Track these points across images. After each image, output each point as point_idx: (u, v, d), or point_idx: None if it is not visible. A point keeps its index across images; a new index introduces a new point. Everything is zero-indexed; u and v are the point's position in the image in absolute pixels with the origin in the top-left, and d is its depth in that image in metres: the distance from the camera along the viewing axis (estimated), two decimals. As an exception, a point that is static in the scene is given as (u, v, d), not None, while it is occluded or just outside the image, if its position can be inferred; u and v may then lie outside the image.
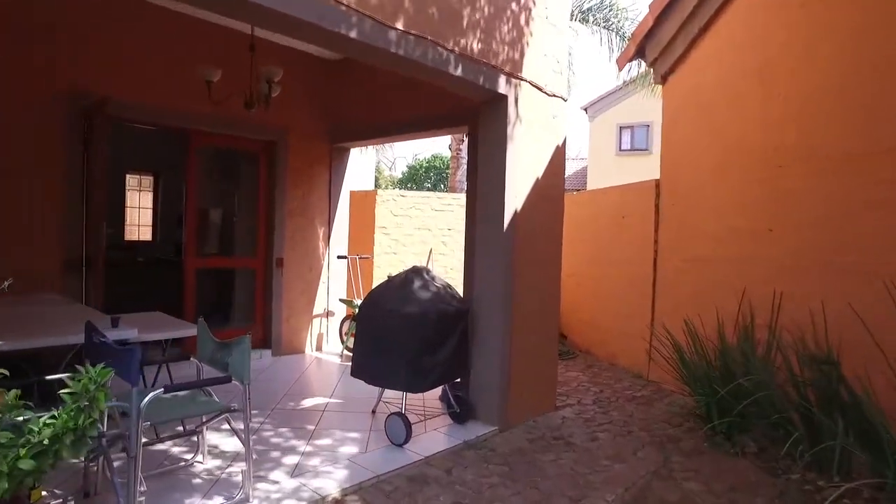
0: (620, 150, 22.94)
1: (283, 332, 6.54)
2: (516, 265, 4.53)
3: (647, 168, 10.96)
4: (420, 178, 33.26)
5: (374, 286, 8.72)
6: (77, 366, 2.21)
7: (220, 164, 6.54)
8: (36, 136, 4.68)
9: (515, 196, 4.55)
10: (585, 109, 23.63)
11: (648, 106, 19.73)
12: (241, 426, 3.05)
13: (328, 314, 6.99)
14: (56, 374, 2.89)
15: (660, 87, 9.33)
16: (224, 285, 6.53)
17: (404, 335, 3.98)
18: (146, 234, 10.02)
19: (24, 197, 4.64)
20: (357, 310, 6.49)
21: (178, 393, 3.00)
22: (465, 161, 10.79)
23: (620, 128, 22.82)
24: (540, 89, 4.82)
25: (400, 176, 34.37)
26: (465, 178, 11.07)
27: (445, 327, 4.14)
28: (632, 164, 21.77)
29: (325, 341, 7.00)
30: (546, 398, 5.08)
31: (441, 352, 4.14)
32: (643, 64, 9.17)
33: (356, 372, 4.22)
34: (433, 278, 4.35)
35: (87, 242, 5.00)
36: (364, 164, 16.39)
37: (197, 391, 3.21)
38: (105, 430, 2.67)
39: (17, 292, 4.62)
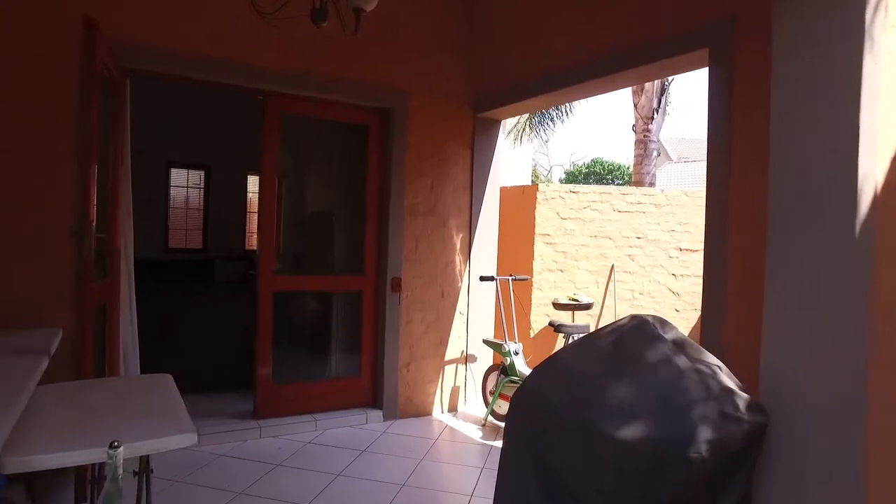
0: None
1: (400, 386, 4.49)
2: (882, 311, 1.94)
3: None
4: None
5: (540, 349, 6.36)
6: None
7: (312, 141, 4.71)
8: (35, 96, 3.12)
9: (876, 157, 1.98)
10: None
11: None
12: None
13: (467, 360, 4.82)
14: None
15: None
16: (316, 316, 4.66)
17: (619, 491, 1.62)
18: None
19: (19, 186, 3.09)
20: (509, 359, 4.27)
21: None
22: (653, 145, 8.05)
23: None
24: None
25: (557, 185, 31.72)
26: (654, 169, 8.33)
27: (720, 472, 1.69)
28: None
29: (461, 399, 4.85)
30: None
31: (704, 526, 1.71)
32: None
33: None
34: (679, 344, 1.92)
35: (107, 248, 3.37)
36: (516, 162, 14.18)
37: None
38: None
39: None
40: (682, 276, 6.39)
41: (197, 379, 4.53)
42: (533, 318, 6.24)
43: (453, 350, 4.76)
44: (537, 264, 6.31)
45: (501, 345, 4.36)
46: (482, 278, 4.54)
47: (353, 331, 4.50)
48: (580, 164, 33.54)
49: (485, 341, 4.65)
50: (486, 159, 4.83)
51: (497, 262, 5.04)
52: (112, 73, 3.23)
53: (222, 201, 8.04)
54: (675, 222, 6.35)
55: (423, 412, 4.64)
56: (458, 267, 4.73)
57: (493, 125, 4.87)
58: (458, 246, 4.73)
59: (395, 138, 4.38)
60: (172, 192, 7.82)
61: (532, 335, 6.20)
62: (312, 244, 4.80)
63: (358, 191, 4.50)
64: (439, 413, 4.72)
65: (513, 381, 4.24)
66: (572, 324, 3.88)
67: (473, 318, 4.81)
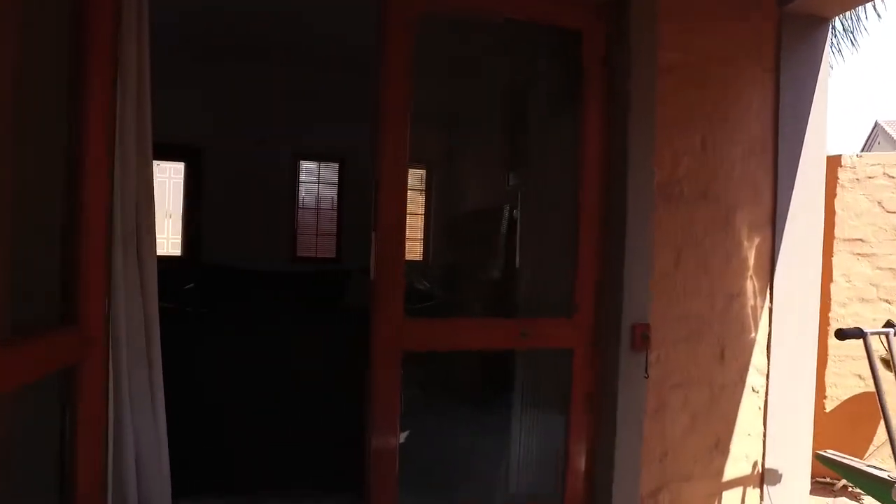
0: None
1: (640, 529, 2.33)
2: None
3: None
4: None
5: (847, 438, 3.54)
6: None
7: (473, 71, 2.72)
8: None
9: None
10: None
11: None
12: None
13: (764, 481, 2.51)
14: None
15: None
16: (480, 392, 2.65)
17: None
18: (415, 252, 7.06)
19: None
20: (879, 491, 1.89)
21: None
22: None
23: None
24: None
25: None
26: None
27: None
28: None
29: (752, 554, 2.54)
30: None
31: None
32: None
33: None
34: None
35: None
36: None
37: None
38: None
39: None
40: None
41: (281, 464, 2.78)
42: (832, 378, 3.71)
43: (739, 461, 2.48)
44: (839, 290, 3.76)
45: (875, 477, 1.99)
46: (841, 335, 2.16)
47: (551, 421, 2.41)
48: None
49: (825, 459, 2.30)
50: (802, 94, 2.50)
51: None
52: None
53: (361, 201, 6.46)
54: None
55: (683, 579, 2.42)
56: (750, 302, 2.45)
57: (816, 28, 2.53)
58: (752, 261, 2.45)
59: (635, 53, 2.24)
60: (301, 189, 6.42)
61: (827, 409, 3.69)
62: (473, 261, 2.80)
63: (560, 159, 2.42)
64: (710, 578, 2.47)
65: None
66: None
67: (778, 400, 2.49)
